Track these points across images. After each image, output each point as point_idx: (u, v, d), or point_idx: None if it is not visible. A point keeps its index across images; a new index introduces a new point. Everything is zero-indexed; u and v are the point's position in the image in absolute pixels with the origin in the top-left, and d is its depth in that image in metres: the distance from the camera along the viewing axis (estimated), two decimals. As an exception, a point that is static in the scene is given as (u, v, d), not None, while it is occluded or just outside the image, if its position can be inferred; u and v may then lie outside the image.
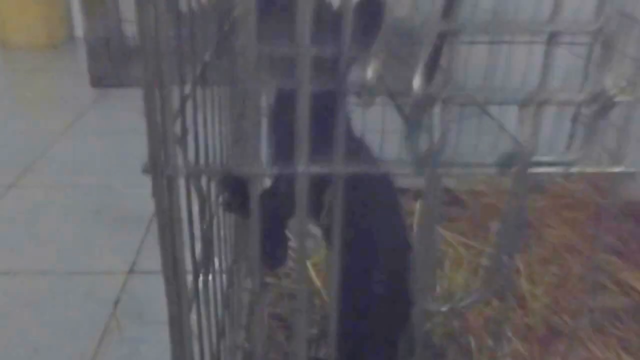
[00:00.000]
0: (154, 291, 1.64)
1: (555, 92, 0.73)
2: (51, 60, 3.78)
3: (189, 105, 0.62)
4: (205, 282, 0.78)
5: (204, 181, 0.75)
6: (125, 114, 2.83)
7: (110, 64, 3.12)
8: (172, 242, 0.54)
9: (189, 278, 0.61)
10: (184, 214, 0.60)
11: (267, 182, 1.54)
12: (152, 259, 1.77)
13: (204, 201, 0.66)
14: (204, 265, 0.75)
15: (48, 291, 1.66)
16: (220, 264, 0.92)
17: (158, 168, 0.44)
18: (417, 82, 0.49)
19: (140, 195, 2.07)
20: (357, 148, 0.95)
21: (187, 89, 0.66)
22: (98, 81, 3.17)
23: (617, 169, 0.55)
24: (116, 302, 1.61)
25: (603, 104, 0.49)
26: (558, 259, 1.31)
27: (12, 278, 1.71)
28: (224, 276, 0.99)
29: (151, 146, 0.48)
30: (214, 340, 0.83)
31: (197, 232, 0.75)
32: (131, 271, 1.75)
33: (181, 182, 0.53)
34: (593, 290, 1.21)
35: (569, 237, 1.39)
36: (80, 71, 3.25)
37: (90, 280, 1.71)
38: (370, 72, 0.47)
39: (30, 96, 3.23)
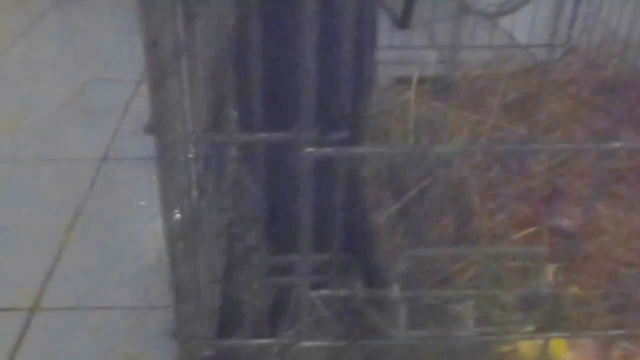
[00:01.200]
0: (128, 177, 1.55)
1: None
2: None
3: None
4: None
5: None
6: (88, 16, 2.67)
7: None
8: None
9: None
10: None
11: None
12: (127, 146, 1.67)
13: None
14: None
15: (19, 176, 1.56)
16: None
17: None
18: None
19: (109, 91, 1.99)
20: None
21: None
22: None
23: None
24: (91, 186, 1.52)
25: None
26: (561, 128, 1.25)
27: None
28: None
29: None
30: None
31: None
32: (105, 158, 1.65)
33: None
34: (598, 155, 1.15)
35: (572, 109, 1.32)
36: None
37: (62, 166, 1.61)
38: None
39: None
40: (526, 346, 0.83)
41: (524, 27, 1.93)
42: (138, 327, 1.03)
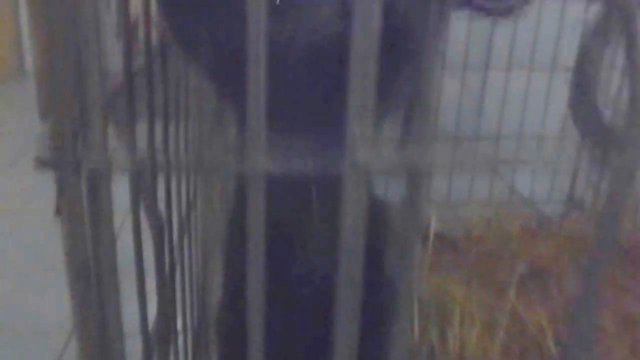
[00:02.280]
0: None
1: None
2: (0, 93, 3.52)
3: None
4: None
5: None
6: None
7: (61, 98, 2.89)
8: (101, 296, 0.31)
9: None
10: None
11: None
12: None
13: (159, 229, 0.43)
14: (160, 339, 0.51)
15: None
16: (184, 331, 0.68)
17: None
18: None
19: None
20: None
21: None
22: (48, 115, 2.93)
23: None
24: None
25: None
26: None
27: None
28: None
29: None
30: None
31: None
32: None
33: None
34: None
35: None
36: (30, 105, 3.00)
37: (25, 340, 1.42)
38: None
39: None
40: None
41: (525, 179, 1.85)
42: None
